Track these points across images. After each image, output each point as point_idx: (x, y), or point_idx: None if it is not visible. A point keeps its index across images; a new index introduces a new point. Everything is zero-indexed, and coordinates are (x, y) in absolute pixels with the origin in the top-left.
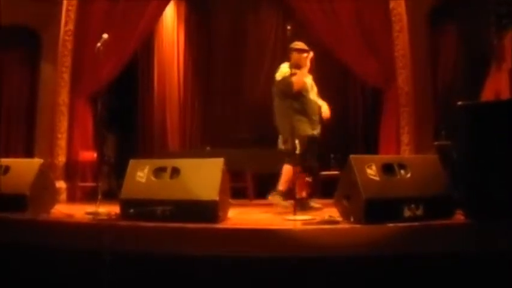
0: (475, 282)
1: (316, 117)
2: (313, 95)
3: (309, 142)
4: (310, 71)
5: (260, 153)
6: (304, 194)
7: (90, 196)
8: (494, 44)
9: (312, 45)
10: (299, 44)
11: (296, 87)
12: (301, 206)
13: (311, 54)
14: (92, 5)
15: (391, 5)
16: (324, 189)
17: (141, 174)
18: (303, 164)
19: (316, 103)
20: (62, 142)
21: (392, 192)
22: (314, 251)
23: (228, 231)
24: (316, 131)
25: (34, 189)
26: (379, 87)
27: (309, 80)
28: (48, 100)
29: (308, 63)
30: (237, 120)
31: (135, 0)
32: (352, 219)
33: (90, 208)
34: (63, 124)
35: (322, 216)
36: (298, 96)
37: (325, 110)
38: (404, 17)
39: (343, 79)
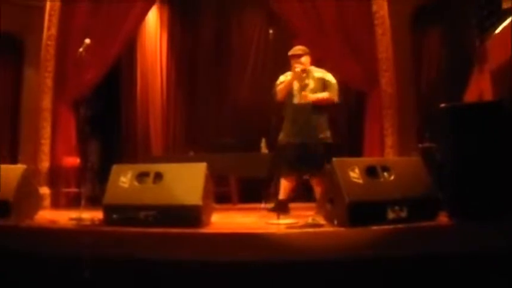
0: (460, 284)
1: (300, 123)
2: (303, 97)
3: (280, 149)
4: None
5: (244, 157)
6: (284, 197)
7: (74, 202)
8: (477, 45)
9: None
10: (292, 50)
11: (278, 96)
12: (282, 209)
13: (303, 58)
14: (75, 9)
15: (374, 8)
16: (307, 193)
17: (124, 180)
18: (277, 169)
19: (304, 106)
20: (46, 148)
21: (376, 195)
22: (298, 254)
23: (212, 236)
24: (295, 138)
25: (17, 195)
26: (362, 89)
27: (298, 83)
28: (31, 105)
29: (297, 66)
30: (220, 125)
31: (117, 4)
32: (335, 223)
33: (74, 214)
34: (46, 130)
35: (306, 220)
36: (285, 103)
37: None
38: (387, 20)
39: None
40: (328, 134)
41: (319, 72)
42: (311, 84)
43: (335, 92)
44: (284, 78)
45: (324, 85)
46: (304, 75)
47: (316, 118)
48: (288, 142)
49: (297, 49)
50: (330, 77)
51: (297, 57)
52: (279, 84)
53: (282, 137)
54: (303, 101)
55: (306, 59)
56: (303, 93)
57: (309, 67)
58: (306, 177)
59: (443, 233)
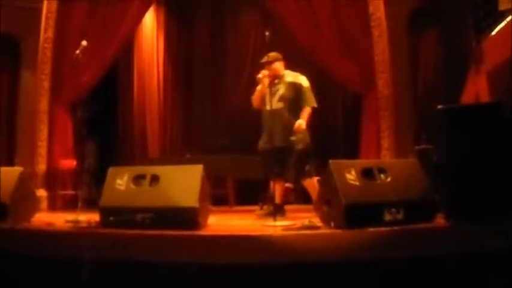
0: (457, 285)
1: (274, 129)
2: (275, 103)
3: (261, 155)
4: (274, 78)
5: (241, 159)
6: (279, 200)
7: (70, 204)
8: (473, 46)
9: (290, 50)
10: (264, 57)
11: (254, 104)
12: (278, 212)
13: (275, 64)
14: (71, 12)
15: (371, 9)
16: (304, 195)
17: (120, 182)
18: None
19: (276, 113)
20: (42, 150)
21: (372, 197)
22: (295, 256)
23: (209, 238)
24: (271, 144)
25: (14, 198)
26: (359, 91)
27: (274, 92)
28: (28, 108)
29: (263, 75)
30: (217, 126)
31: (114, 6)
32: (332, 225)
33: (71, 216)
34: (43, 132)
35: (303, 222)
36: (261, 110)
37: (297, 124)
38: (384, 22)
39: (322, 83)
40: (301, 136)
41: (291, 77)
42: (281, 90)
43: (309, 97)
44: (259, 87)
45: (295, 90)
46: (277, 81)
47: (287, 123)
48: (265, 148)
49: (269, 56)
50: (302, 80)
51: (269, 64)
52: (254, 93)
53: (260, 143)
54: (274, 108)
55: (277, 65)
56: (297, 123)
57: (282, 72)
58: (288, 184)
59: (440, 235)
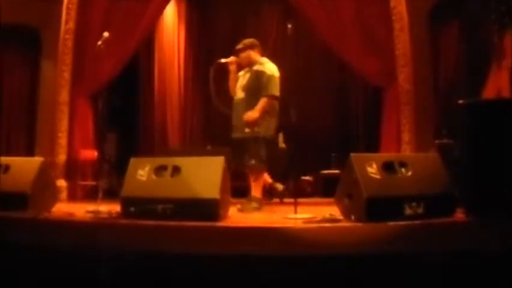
0: (476, 281)
1: (234, 120)
2: (239, 92)
3: (232, 146)
4: (245, 66)
5: None
6: (258, 194)
7: (90, 195)
8: (495, 42)
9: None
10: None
11: (231, 93)
12: (251, 204)
13: (245, 52)
14: (93, 3)
15: (392, 3)
16: (325, 188)
17: (141, 173)
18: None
19: (240, 105)
20: (63, 141)
21: (393, 191)
22: (315, 249)
23: (229, 230)
24: (234, 134)
25: (35, 188)
26: (380, 85)
27: (240, 81)
28: (48, 99)
29: (227, 61)
30: None
31: None
32: (353, 218)
33: (91, 207)
34: (63, 123)
35: (323, 215)
36: None
37: (246, 115)
38: (405, 16)
39: (343, 77)
40: (257, 128)
41: (258, 65)
42: (245, 79)
43: (268, 86)
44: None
45: (257, 78)
46: (247, 69)
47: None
48: (231, 138)
49: (240, 43)
50: (266, 68)
51: (241, 52)
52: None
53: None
54: (238, 97)
55: (248, 53)
56: (246, 114)
57: (254, 60)
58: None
59: (460, 230)
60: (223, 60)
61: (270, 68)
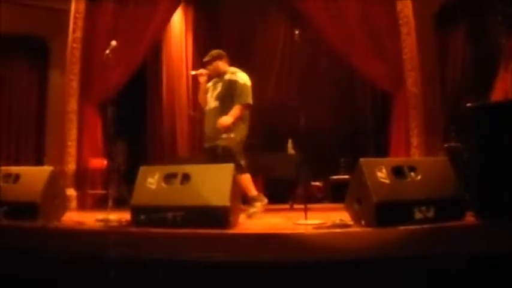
0: (487, 284)
1: (208, 128)
2: (212, 102)
3: (206, 155)
4: (215, 76)
5: (270, 158)
6: (253, 193)
7: (100, 203)
8: (502, 44)
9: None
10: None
11: (201, 104)
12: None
13: (213, 63)
14: (100, 12)
15: (398, 7)
16: (335, 194)
17: (151, 181)
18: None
19: (213, 114)
20: (72, 150)
21: (402, 195)
22: (325, 254)
23: (240, 237)
24: (208, 144)
25: (45, 197)
26: (388, 90)
27: (211, 91)
28: (57, 108)
29: (197, 73)
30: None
31: (143, 6)
32: (363, 223)
33: (101, 215)
34: (72, 132)
35: (333, 220)
36: None
37: (219, 121)
38: (412, 20)
39: (352, 82)
40: (232, 135)
41: (229, 74)
42: (218, 88)
43: (242, 94)
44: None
45: (230, 87)
46: (218, 79)
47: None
48: (205, 147)
49: (208, 55)
50: (238, 77)
51: (209, 64)
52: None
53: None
54: (211, 107)
55: (217, 64)
56: (219, 120)
57: (223, 70)
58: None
59: (470, 233)
60: (193, 73)
61: (242, 77)
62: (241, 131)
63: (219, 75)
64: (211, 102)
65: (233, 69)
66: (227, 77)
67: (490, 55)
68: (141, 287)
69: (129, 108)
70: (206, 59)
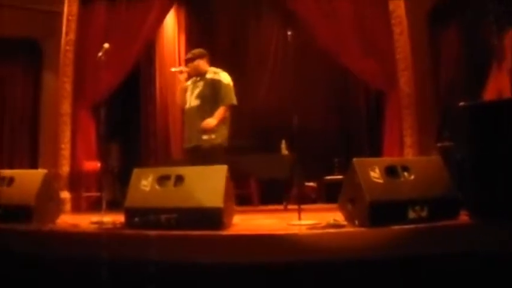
0: (482, 283)
1: (189, 128)
2: (193, 100)
3: (186, 155)
4: (195, 75)
5: (263, 159)
6: None
7: (94, 206)
8: (495, 43)
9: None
10: (188, 54)
11: (177, 102)
12: None
13: (195, 61)
14: (93, 14)
15: (391, 7)
16: (329, 194)
17: (145, 183)
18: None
19: (192, 111)
20: (66, 152)
21: (396, 195)
22: (319, 255)
23: (234, 238)
24: (188, 143)
25: (39, 200)
26: (381, 89)
27: (191, 90)
28: (50, 110)
29: (179, 70)
30: (240, 127)
31: (135, 8)
32: (356, 223)
33: (95, 218)
34: (66, 134)
35: (327, 221)
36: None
37: (204, 122)
38: (405, 20)
39: (345, 82)
40: (213, 136)
41: (211, 74)
42: (200, 87)
43: (227, 94)
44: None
45: (213, 87)
46: (198, 78)
47: (202, 121)
48: (184, 148)
49: (190, 53)
50: (222, 77)
51: (189, 62)
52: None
53: (184, 143)
54: (191, 105)
55: (198, 63)
56: (204, 122)
57: (204, 70)
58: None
59: (464, 233)
60: (173, 69)
61: (225, 77)
62: (223, 133)
63: (199, 74)
64: (192, 101)
65: (214, 69)
66: (209, 76)
67: (482, 54)
68: None
69: (123, 110)
70: (188, 56)
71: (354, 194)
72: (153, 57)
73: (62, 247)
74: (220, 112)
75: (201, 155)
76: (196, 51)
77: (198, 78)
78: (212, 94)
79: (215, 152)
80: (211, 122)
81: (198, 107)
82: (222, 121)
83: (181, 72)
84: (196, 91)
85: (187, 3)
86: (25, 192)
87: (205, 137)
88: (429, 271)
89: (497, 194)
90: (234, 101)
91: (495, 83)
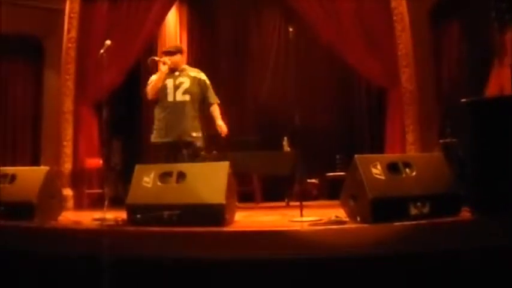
0: (484, 279)
1: (174, 122)
2: (180, 95)
3: (155, 150)
4: (173, 69)
5: (266, 156)
6: None
7: (96, 203)
8: (496, 39)
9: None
10: (166, 47)
11: (149, 95)
12: None
13: (176, 56)
14: (95, 11)
15: (393, 4)
16: (331, 191)
17: (147, 179)
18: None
19: (179, 105)
20: (68, 149)
21: (398, 191)
22: (321, 251)
23: (235, 234)
24: (168, 137)
25: (41, 197)
26: (383, 86)
27: (173, 83)
28: (52, 108)
29: (162, 61)
30: (242, 124)
31: (137, 6)
32: (358, 219)
33: (97, 214)
34: (68, 132)
35: (329, 217)
36: (157, 102)
37: (220, 126)
38: (406, 16)
39: (347, 79)
40: (200, 133)
41: (194, 72)
42: (186, 83)
43: (213, 94)
44: (155, 77)
45: (199, 85)
46: (177, 73)
47: (191, 117)
48: (162, 142)
49: (170, 46)
50: (205, 77)
51: (170, 55)
52: (149, 84)
53: (155, 136)
54: (178, 100)
55: (178, 57)
56: (218, 123)
57: (183, 66)
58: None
59: (466, 229)
60: (156, 58)
61: (206, 77)
62: (204, 131)
63: (175, 69)
64: (178, 96)
65: (189, 67)
66: (193, 74)
67: (484, 51)
68: (138, 286)
69: (125, 108)
70: (171, 49)
71: (355, 190)
72: (154, 55)
73: (64, 244)
74: (218, 111)
75: (192, 151)
76: (179, 45)
77: (177, 73)
78: (199, 92)
79: (201, 150)
80: (223, 124)
81: (187, 103)
82: (203, 119)
83: (164, 63)
84: (183, 87)
85: (189, 1)
86: (27, 189)
87: (194, 133)
88: (431, 267)
89: (499, 190)
90: (218, 99)
91: (496, 79)
